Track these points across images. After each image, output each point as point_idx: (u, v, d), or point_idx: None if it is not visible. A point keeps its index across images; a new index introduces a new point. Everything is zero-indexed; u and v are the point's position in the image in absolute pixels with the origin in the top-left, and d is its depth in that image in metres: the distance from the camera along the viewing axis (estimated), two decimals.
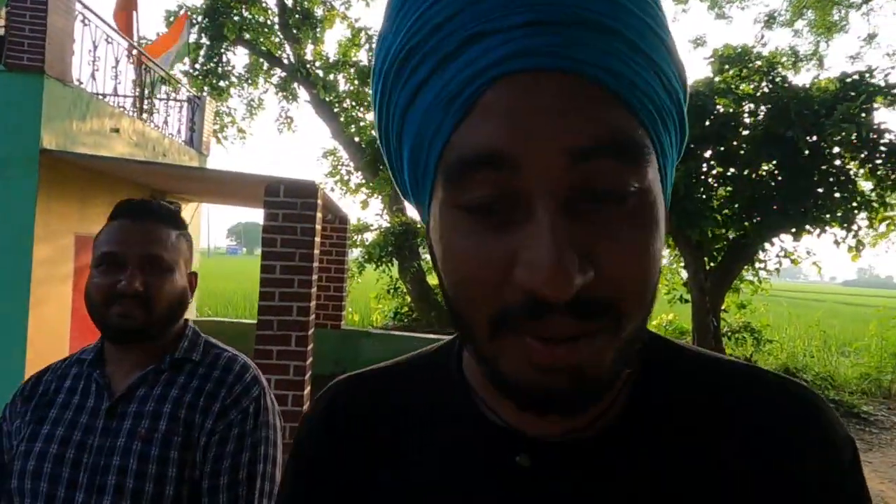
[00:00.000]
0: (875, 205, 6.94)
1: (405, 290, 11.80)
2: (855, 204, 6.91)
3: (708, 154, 7.33)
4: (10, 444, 1.07)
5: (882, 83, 6.76)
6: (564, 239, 0.34)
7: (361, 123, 12.48)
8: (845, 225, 6.97)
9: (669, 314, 10.93)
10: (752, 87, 7.40)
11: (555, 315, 0.35)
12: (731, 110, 7.17)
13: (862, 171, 6.97)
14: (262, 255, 4.55)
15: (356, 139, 12.26)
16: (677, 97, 0.40)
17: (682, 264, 8.29)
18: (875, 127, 6.58)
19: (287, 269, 4.54)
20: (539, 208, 0.35)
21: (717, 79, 7.51)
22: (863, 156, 6.78)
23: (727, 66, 7.54)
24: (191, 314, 8.20)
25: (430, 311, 11.41)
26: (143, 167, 5.10)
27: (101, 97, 5.64)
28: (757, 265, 8.18)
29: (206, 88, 11.86)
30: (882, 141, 6.63)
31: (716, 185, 7.49)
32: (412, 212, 12.40)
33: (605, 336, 0.37)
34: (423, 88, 0.38)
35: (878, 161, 6.74)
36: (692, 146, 7.00)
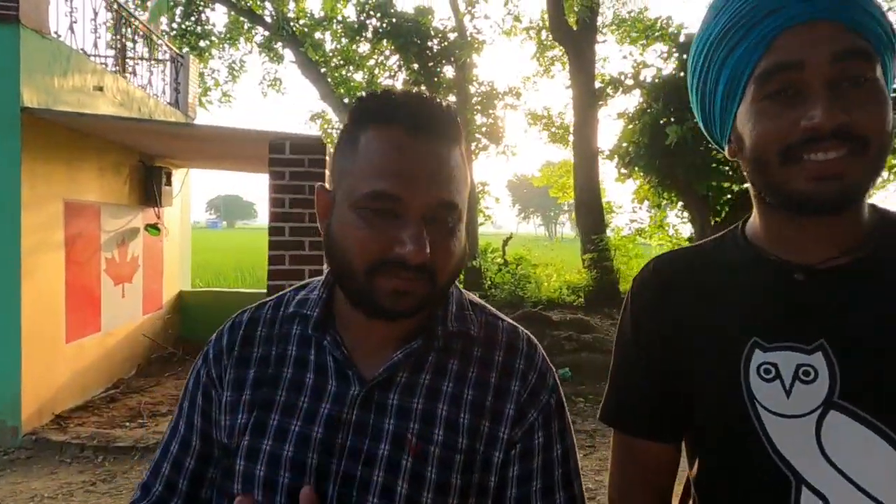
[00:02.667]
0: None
1: None
2: None
3: None
4: (222, 418, 0.79)
5: None
6: (830, 101, 0.65)
7: (351, 84, 12.04)
8: None
9: None
10: None
11: (824, 141, 0.65)
12: None
13: None
14: (270, 217, 4.29)
15: (346, 100, 11.83)
16: (886, 28, 0.68)
17: (689, 218, 8.20)
18: None
19: (297, 231, 4.28)
20: (814, 88, 0.66)
21: None
22: None
23: None
24: (185, 286, 7.92)
25: None
26: (133, 125, 4.76)
27: (81, 52, 5.24)
28: None
29: (185, 49, 11.29)
30: None
31: None
32: None
33: (858, 158, 0.65)
34: (738, 46, 0.69)
35: None
36: None
